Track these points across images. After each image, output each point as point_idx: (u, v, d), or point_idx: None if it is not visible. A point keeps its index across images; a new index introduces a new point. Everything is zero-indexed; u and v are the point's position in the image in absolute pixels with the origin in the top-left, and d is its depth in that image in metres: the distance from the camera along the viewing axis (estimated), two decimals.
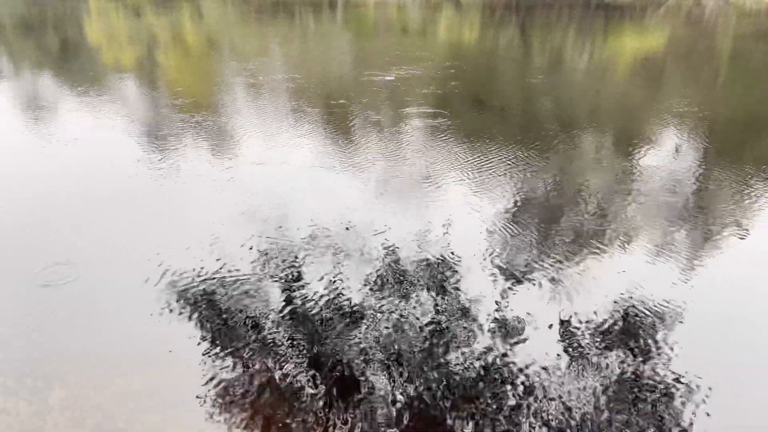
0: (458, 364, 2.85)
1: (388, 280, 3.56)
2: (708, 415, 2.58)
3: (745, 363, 2.94)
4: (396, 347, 2.96)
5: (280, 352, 2.91)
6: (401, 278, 3.57)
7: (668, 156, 5.92)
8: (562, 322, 3.17)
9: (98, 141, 6.12)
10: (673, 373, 2.82)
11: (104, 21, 18.14)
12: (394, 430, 2.47)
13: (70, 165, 5.42)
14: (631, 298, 3.41)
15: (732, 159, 5.92)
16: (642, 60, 12.03)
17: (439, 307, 3.29)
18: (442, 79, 9.52)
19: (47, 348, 2.92)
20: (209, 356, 2.87)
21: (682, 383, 2.75)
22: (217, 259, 3.73)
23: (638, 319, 3.22)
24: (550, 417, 2.54)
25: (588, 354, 2.94)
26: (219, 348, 2.93)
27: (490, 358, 2.89)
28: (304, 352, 2.92)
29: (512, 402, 2.63)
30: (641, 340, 3.05)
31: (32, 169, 5.30)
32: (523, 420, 2.53)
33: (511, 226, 4.27)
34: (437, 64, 11.01)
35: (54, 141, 6.09)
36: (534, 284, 3.54)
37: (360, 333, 3.06)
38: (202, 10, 21.24)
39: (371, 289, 3.45)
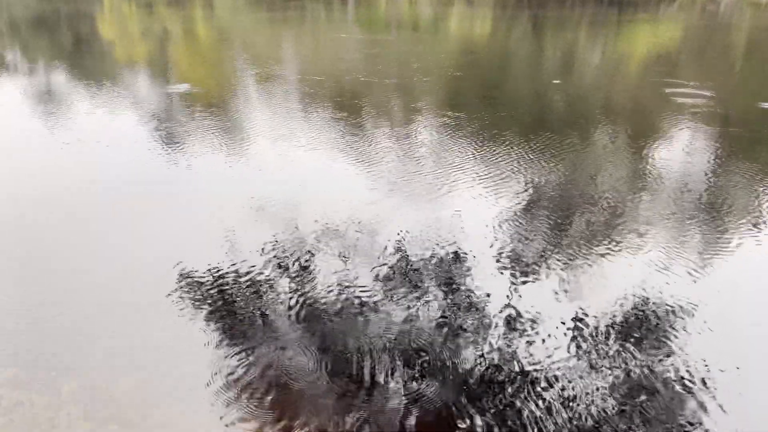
0: (468, 361, 2.83)
1: (398, 275, 3.54)
2: (724, 412, 2.55)
3: (760, 362, 2.90)
4: (405, 343, 2.95)
5: (290, 346, 2.91)
6: (411, 273, 3.56)
7: (682, 151, 5.85)
8: (572, 319, 3.14)
9: (105, 137, 6.16)
10: (685, 372, 2.79)
11: (116, 16, 18.25)
12: (402, 427, 2.47)
13: (78, 161, 5.46)
14: (642, 294, 3.37)
15: (748, 153, 5.83)
16: (656, 54, 11.89)
17: (449, 303, 3.28)
18: (453, 75, 9.48)
19: (59, 341, 2.94)
20: (220, 350, 2.88)
21: (695, 382, 2.72)
22: (229, 255, 3.74)
23: (649, 316, 3.18)
24: (560, 415, 2.52)
25: (598, 351, 2.91)
26: (230, 342, 2.94)
27: (498, 355, 2.88)
28: (314, 346, 2.92)
29: (521, 400, 2.61)
30: (652, 338, 3.02)
31: (42, 164, 5.35)
32: (532, 418, 2.51)
33: (521, 222, 4.24)
34: (449, 60, 10.96)
35: (63, 136, 6.13)
36: (544, 280, 3.52)
37: (369, 329, 3.05)
38: (213, 6, 21.29)
39: (381, 285, 3.44)
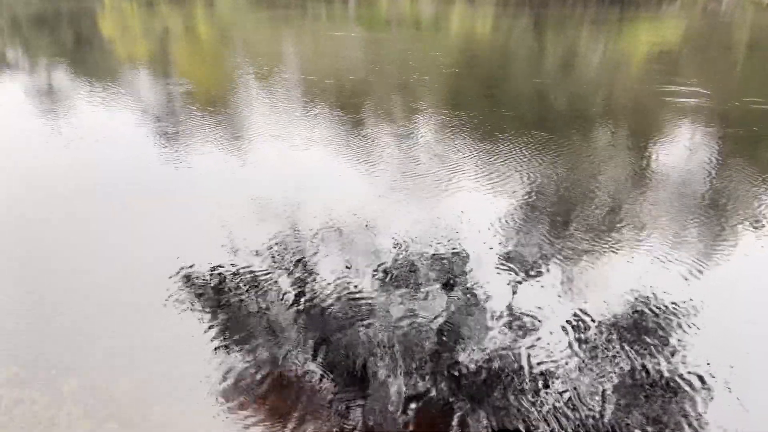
0: (468, 360, 2.84)
1: (399, 274, 3.55)
2: (724, 411, 2.55)
3: (758, 361, 2.90)
4: (405, 342, 2.95)
5: (291, 345, 2.92)
6: (411, 272, 3.57)
7: (681, 150, 5.85)
8: (571, 317, 3.15)
9: (106, 135, 6.16)
10: (685, 371, 2.79)
11: (117, 14, 18.25)
12: (403, 426, 2.48)
13: (79, 160, 5.47)
14: (643, 293, 3.38)
15: (747, 153, 5.83)
16: (657, 53, 11.88)
17: (450, 302, 3.29)
18: (453, 73, 9.47)
19: (59, 341, 2.95)
20: (220, 350, 2.89)
21: (695, 381, 2.72)
22: (229, 253, 3.75)
23: (650, 315, 3.19)
24: (561, 414, 2.53)
25: (597, 349, 2.92)
26: (230, 341, 2.95)
27: (499, 354, 2.88)
28: (315, 345, 2.93)
29: (522, 398, 2.62)
30: (653, 337, 3.02)
31: (42, 163, 5.36)
32: (533, 417, 2.52)
33: (522, 220, 4.24)
34: (449, 58, 10.95)
35: (63, 135, 6.14)
36: (544, 279, 3.52)
37: (370, 327, 3.06)
38: (213, 5, 21.28)
39: (382, 284, 3.45)
